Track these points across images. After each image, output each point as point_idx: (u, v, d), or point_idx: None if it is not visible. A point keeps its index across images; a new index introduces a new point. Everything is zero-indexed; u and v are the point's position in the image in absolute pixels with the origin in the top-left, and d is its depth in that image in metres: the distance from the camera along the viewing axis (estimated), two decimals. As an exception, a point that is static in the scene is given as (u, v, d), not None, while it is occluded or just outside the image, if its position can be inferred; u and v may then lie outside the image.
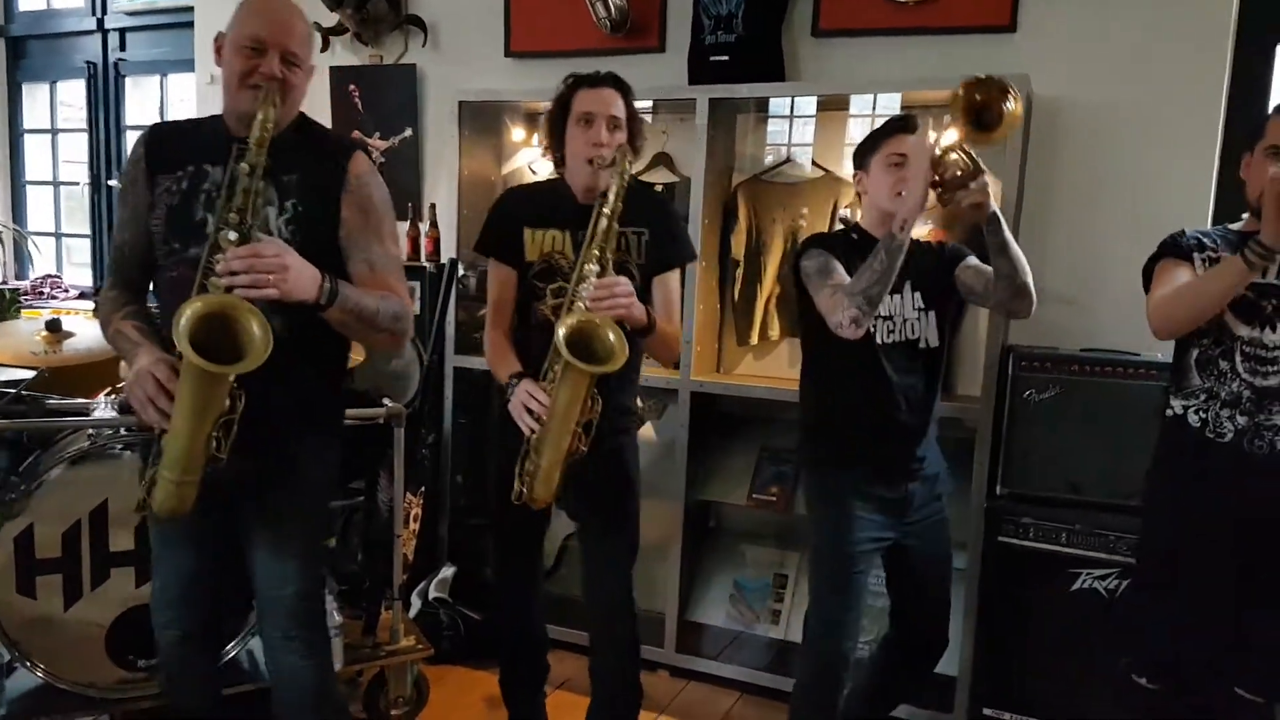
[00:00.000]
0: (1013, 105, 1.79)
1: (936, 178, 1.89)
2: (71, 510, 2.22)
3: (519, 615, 2.31)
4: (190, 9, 3.85)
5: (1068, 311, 2.64)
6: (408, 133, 3.45)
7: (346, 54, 3.56)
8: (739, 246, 3.01)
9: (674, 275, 2.12)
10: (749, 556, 3.15)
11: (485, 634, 2.97)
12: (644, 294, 2.01)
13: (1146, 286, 1.96)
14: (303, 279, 1.58)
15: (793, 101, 2.98)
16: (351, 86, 3.51)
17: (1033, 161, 2.66)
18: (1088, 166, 2.67)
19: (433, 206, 3.30)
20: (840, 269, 2.02)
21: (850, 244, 2.11)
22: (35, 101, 4.91)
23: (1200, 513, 1.90)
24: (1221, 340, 1.86)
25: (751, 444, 3.07)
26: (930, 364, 2.12)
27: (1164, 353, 2.15)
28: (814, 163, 2.97)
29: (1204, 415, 1.88)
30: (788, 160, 3.00)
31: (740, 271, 3.03)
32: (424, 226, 3.26)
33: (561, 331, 1.81)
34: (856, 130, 2.92)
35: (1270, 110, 1.92)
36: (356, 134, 3.50)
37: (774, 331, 3.03)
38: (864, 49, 2.86)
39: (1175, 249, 1.93)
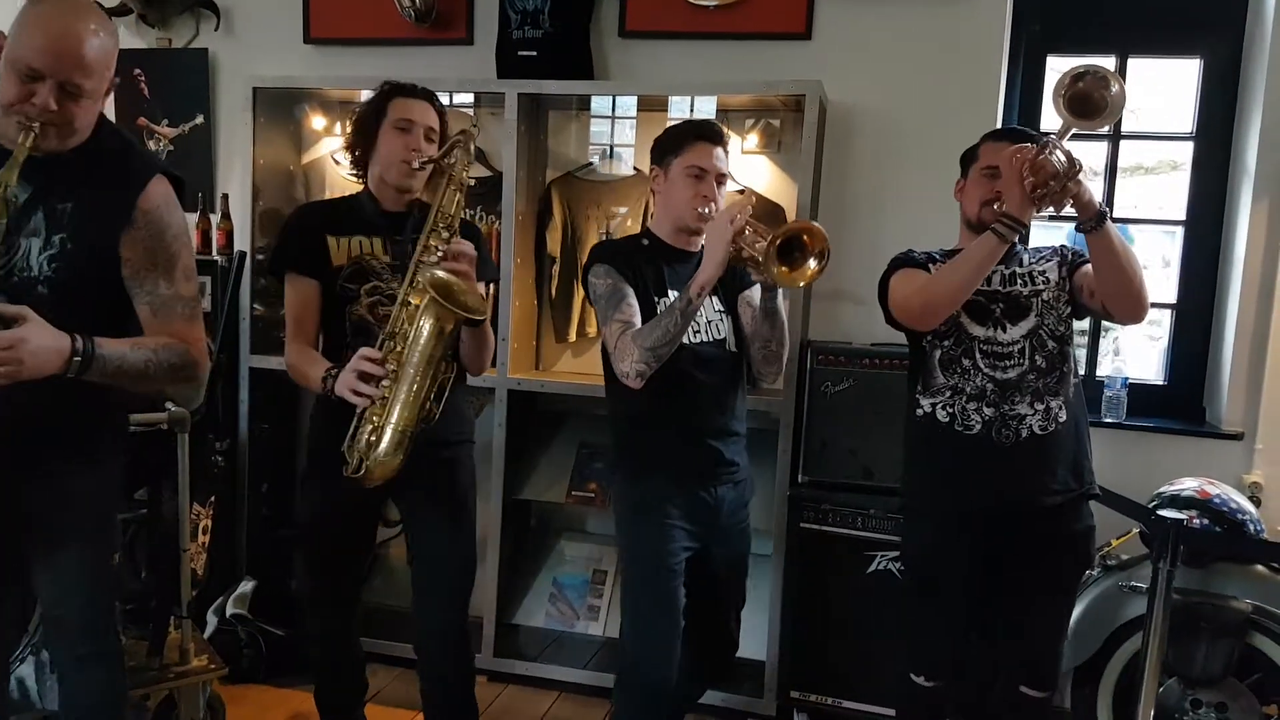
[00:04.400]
0: (814, 264, 1.84)
1: (733, 250, 1.91)
2: None
3: (338, 637, 2.22)
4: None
5: (860, 309, 2.78)
6: (198, 120, 3.24)
7: (131, 37, 3.30)
8: (555, 243, 3.00)
9: (481, 287, 2.08)
10: (568, 553, 3.14)
11: (288, 650, 2.82)
12: None
13: (883, 299, 2.07)
14: (42, 360, 1.42)
15: (614, 101, 3.00)
16: (137, 71, 3.26)
17: (827, 165, 2.79)
18: (877, 170, 2.83)
19: (225, 197, 3.11)
20: (630, 296, 2.00)
21: (640, 250, 2.10)
22: None
23: (955, 507, 2.01)
24: (961, 341, 1.99)
25: (570, 440, 3.07)
26: (735, 365, 2.14)
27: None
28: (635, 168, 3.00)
29: (951, 410, 1.99)
30: (600, 158, 3.02)
31: (557, 268, 3.02)
32: (215, 218, 3.07)
33: (426, 275, 1.80)
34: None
35: (984, 135, 2.07)
36: (142, 120, 3.26)
37: (592, 328, 3.04)
38: (669, 51, 2.92)
39: (910, 261, 2.07)
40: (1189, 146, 2.81)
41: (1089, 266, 1.94)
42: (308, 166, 3.22)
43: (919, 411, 2.05)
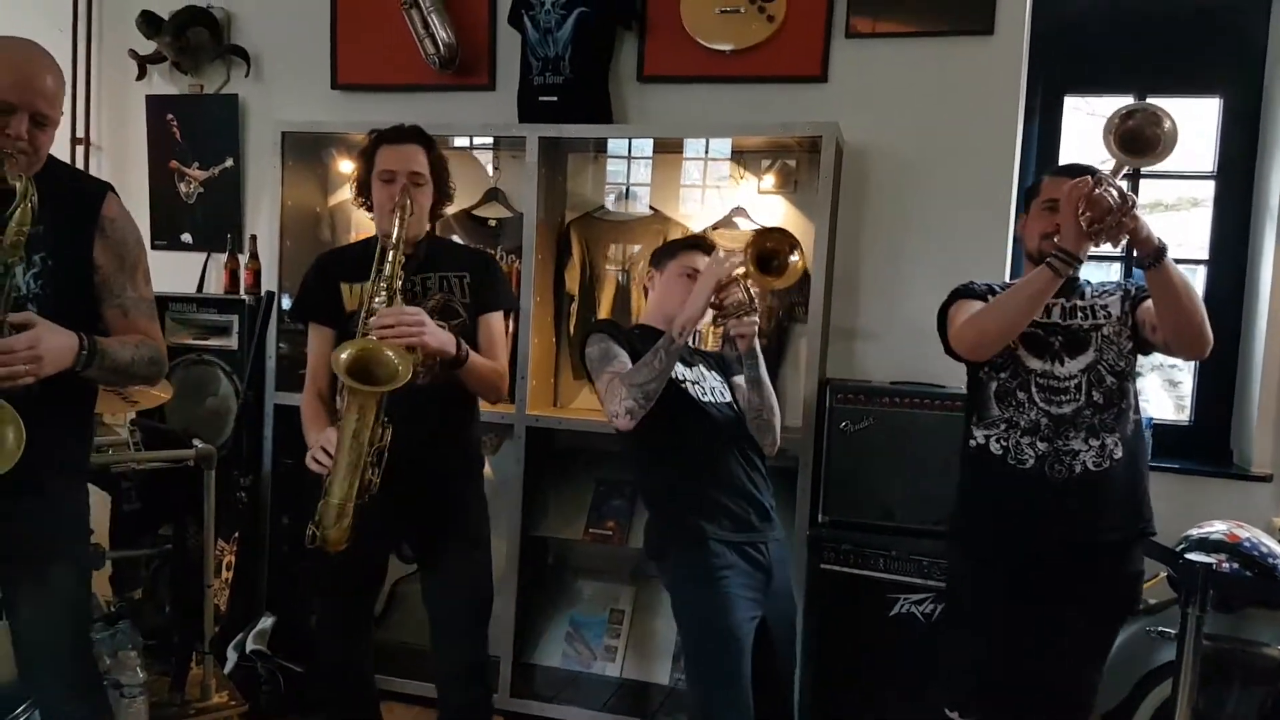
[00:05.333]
0: (797, 258, 1.96)
1: (717, 300, 1.99)
2: None
3: (350, 671, 2.22)
4: (-7, 27, 3.60)
5: (879, 346, 2.78)
6: (228, 163, 3.33)
7: (164, 83, 3.43)
8: (573, 282, 3.04)
9: (497, 316, 2.15)
10: (586, 592, 3.13)
11: (307, 687, 2.82)
12: (473, 333, 2.06)
13: (941, 329, 2.07)
14: (58, 355, 1.53)
15: (630, 143, 3.05)
16: (169, 116, 3.37)
17: (843, 206, 2.81)
18: (894, 211, 2.84)
19: (253, 238, 3.18)
20: (623, 356, 2.06)
21: (633, 336, 2.17)
22: None
23: (1004, 541, 1.99)
24: (1018, 374, 1.97)
25: (588, 478, 3.06)
26: (745, 423, 2.16)
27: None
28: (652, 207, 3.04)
29: (1005, 444, 1.97)
30: (619, 199, 3.06)
31: (575, 306, 3.05)
32: (244, 258, 3.14)
33: (342, 356, 1.79)
34: (692, 172, 3.02)
35: (1046, 171, 2.10)
36: (174, 163, 3.36)
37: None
38: (686, 95, 2.97)
39: (969, 292, 2.06)
40: (1210, 184, 2.80)
41: (1151, 302, 1.92)
42: (334, 209, 3.29)
43: (972, 443, 2.04)
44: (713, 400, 2.12)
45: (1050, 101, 2.87)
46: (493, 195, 3.10)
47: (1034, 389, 1.96)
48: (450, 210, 3.06)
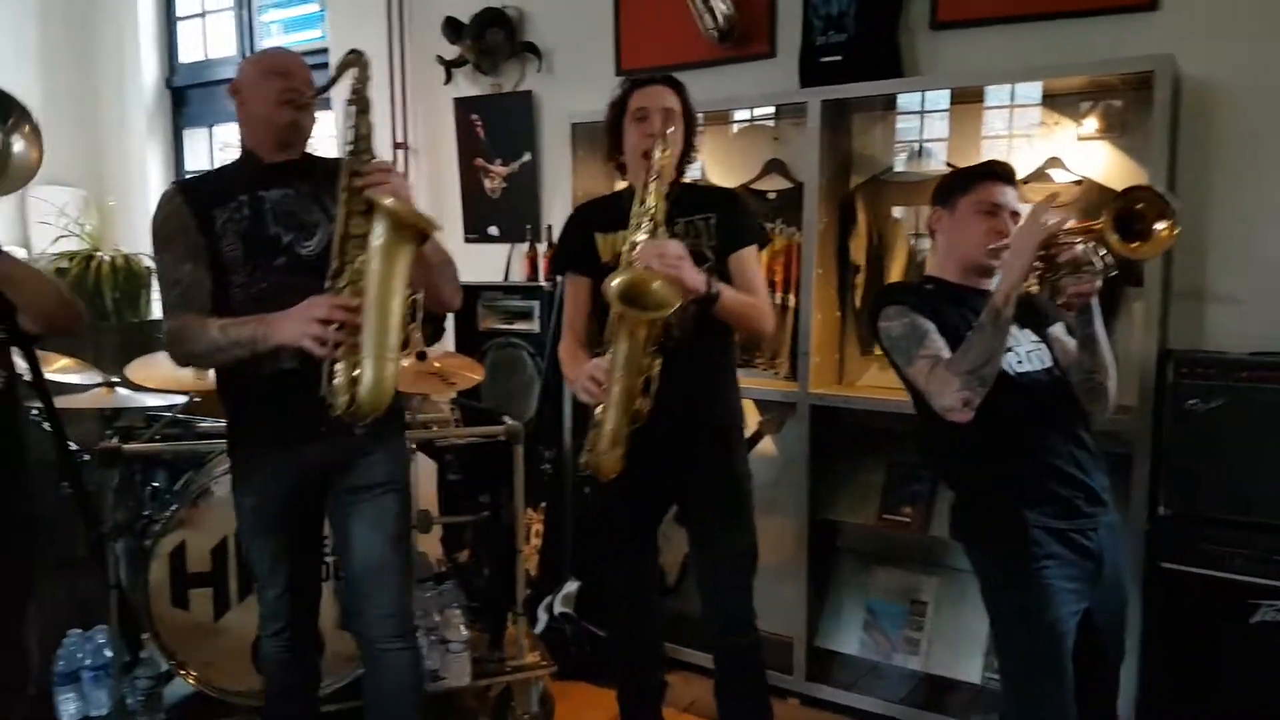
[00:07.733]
0: (1163, 226, 1.64)
1: (1047, 254, 1.74)
2: (219, 527, 2.38)
3: (635, 638, 2.30)
4: (325, 50, 4.04)
5: (1232, 312, 2.37)
6: (527, 157, 3.53)
7: (468, 85, 3.68)
8: (859, 251, 2.88)
9: (750, 251, 2.10)
10: (881, 580, 2.99)
11: (610, 650, 2.96)
12: (722, 276, 2.03)
13: None
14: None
15: (923, 96, 2.82)
16: (474, 116, 3.63)
17: (1183, 149, 2.41)
18: (1246, 153, 2.38)
19: (549, 228, 3.35)
20: (936, 335, 1.82)
21: (928, 295, 1.92)
22: (195, 144, 5.11)
23: None
24: None
25: (879, 460, 2.90)
26: (1069, 388, 1.90)
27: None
28: (947, 162, 2.79)
29: None
30: (910, 157, 2.85)
31: (861, 277, 2.89)
32: (541, 248, 3.32)
33: (613, 283, 1.81)
34: (995, 122, 2.74)
35: None
36: (479, 161, 3.62)
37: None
38: (986, 38, 2.68)
39: None
40: None
41: None
42: (621, 194, 3.38)
43: None
44: (1030, 369, 1.85)
45: None
46: (773, 167, 3.01)
47: None
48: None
